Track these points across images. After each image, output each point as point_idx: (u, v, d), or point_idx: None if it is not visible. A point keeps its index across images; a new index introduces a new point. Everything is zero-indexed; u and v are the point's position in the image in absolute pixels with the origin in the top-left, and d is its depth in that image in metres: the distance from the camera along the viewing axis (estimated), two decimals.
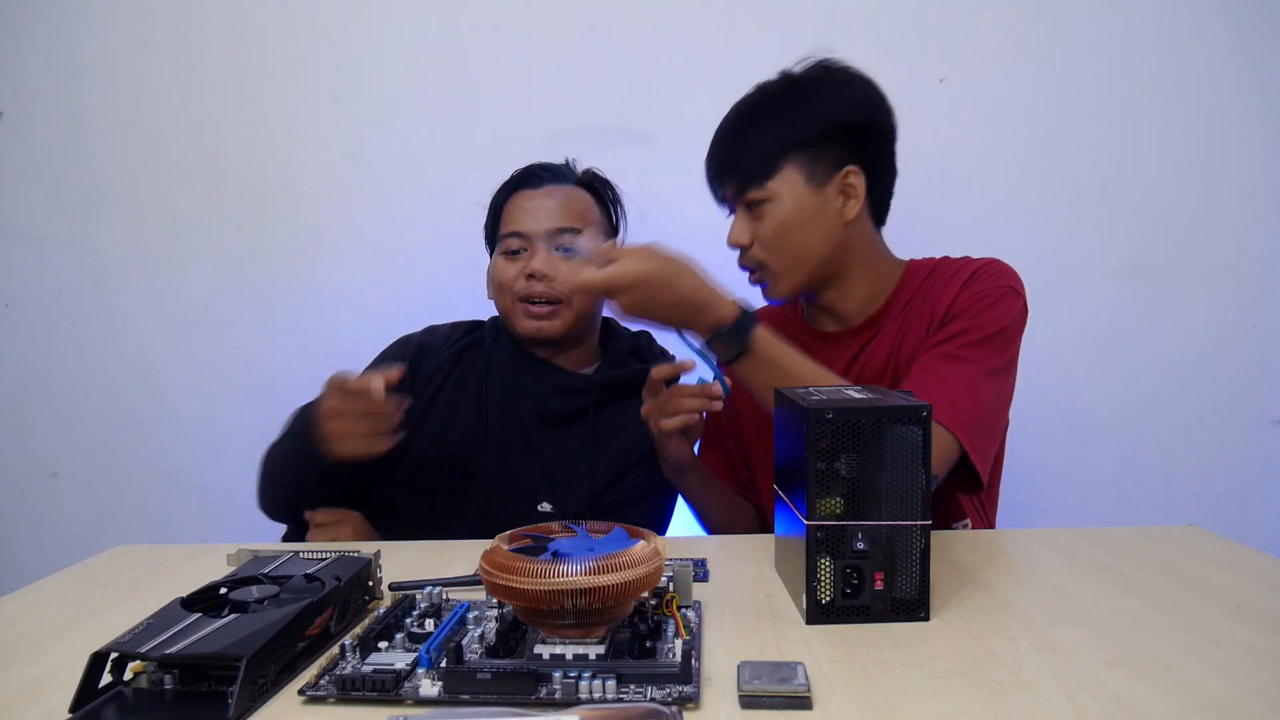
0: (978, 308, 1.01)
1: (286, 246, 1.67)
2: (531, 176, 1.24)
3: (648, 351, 1.31)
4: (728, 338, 0.93)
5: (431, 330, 1.31)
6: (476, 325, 1.32)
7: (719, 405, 0.98)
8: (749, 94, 1.08)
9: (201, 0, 1.64)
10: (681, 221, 1.60)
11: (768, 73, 1.08)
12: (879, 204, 1.09)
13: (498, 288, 1.22)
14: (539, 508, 1.16)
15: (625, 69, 1.62)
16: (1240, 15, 1.58)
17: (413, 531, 1.02)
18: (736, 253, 1.09)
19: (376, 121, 1.65)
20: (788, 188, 1.03)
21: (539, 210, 1.20)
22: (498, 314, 1.30)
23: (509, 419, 1.21)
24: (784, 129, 1.03)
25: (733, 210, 1.09)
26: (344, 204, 1.66)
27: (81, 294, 1.69)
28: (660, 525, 1.27)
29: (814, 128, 1.03)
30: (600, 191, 1.27)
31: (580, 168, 1.27)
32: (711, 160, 1.09)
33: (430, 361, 1.25)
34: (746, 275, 1.10)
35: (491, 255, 1.27)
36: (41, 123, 1.67)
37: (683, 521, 1.32)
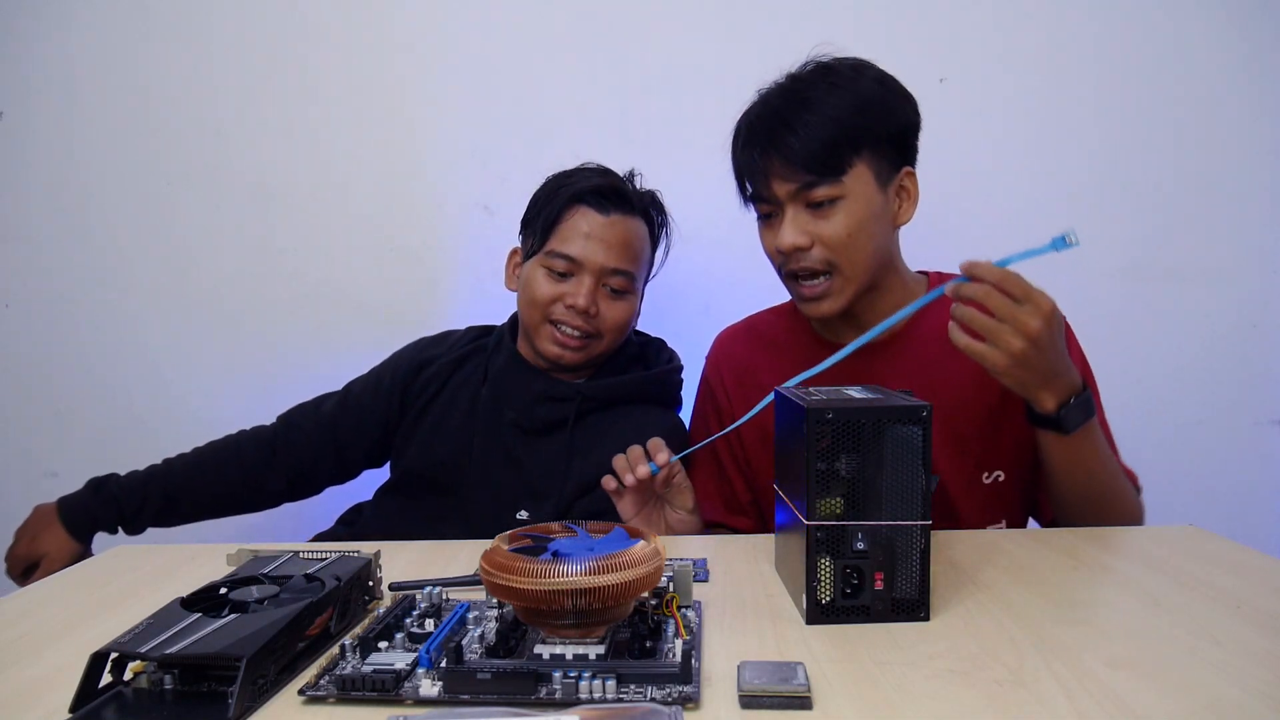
0: (1072, 348, 1.02)
1: (286, 246, 1.67)
2: (599, 197, 1.16)
3: (655, 359, 1.28)
4: (1082, 404, 0.89)
5: (442, 338, 1.30)
6: (486, 331, 1.30)
7: (645, 473, 0.92)
8: (799, 81, 1.00)
9: (202, 0, 1.64)
10: (683, 222, 1.60)
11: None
12: None
13: (531, 301, 1.17)
14: (517, 515, 1.16)
15: (625, 69, 1.61)
16: (1241, 15, 1.58)
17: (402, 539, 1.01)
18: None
19: (377, 121, 1.65)
20: (860, 185, 0.97)
21: (599, 242, 1.14)
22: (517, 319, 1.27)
23: (494, 428, 1.20)
24: (861, 120, 0.96)
25: (762, 212, 1.02)
26: (344, 204, 1.66)
27: (81, 294, 1.69)
28: None
29: (890, 122, 0.98)
30: (654, 219, 1.23)
31: (641, 184, 1.22)
32: (760, 151, 0.98)
33: (427, 371, 1.25)
34: (793, 283, 1.03)
35: (528, 251, 1.21)
36: (41, 123, 1.67)
37: None
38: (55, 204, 1.68)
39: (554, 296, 1.15)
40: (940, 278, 1.11)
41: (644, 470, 0.91)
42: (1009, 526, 1.07)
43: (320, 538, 1.25)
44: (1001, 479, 1.04)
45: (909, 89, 1.05)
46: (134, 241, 1.68)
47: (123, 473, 1.21)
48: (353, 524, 1.27)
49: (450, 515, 1.17)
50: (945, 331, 1.01)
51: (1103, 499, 0.97)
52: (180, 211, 1.67)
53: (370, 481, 1.32)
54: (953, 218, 1.58)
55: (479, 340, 1.28)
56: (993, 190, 1.61)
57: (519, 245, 1.25)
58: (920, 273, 1.13)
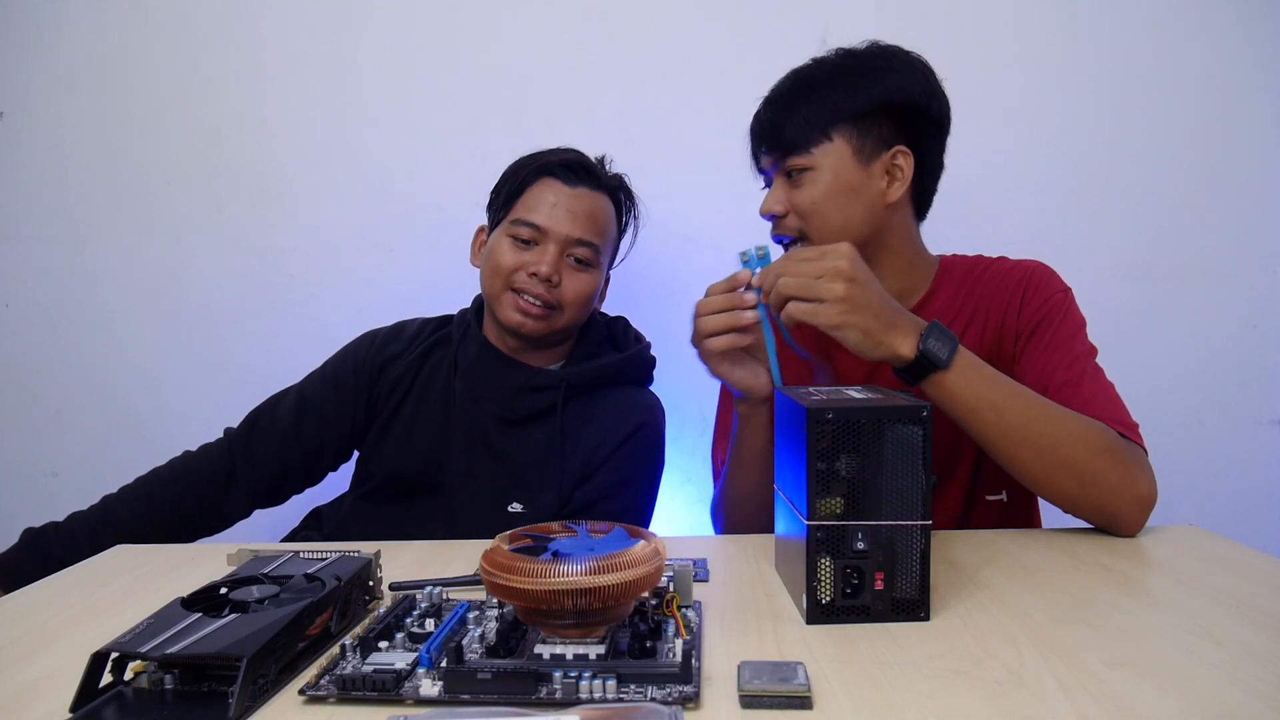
0: (1061, 311, 1.03)
1: (286, 246, 1.67)
2: (567, 170, 1.17)
3: (624, 339, 1.26)
4: (937, 332, 0.85)
5: (398, 332, 1.26)
6: (445, 321, 1.27)
7: (752, 299, 0.89)
8: (805, 64, 1.06)
9: (200, 1, 1.64)
10: (681, 220, 1.60)
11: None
12: (923, 195, 1.07)
13: (494, 269, 1.15)
14: (509, 508, 1.14)
15: (625, 68, 1.62)
16: (1244, 15, 1.58)
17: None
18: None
19: (376, 121, 1.65)
20: (832, 159, 1.00)
21: (565, 212, 1.14)
22: (482, 298, 1.25)
23: (472, 421, 1.17)
24: (838, 96, 1.00)
25: (769, 180, 1.06)
26: (344, 204, 1.66)
27: (81, 294, 1.69)
28: (637, 522, 1.23)
29: (869, 100, 1.01)
30: (622, 202, 1.23)
31: (611, 168, 1.23)
32: (756, 125, 1.06)
33: (394, 368, 1.21)
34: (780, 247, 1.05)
35: (492, 224, 1.21)
36: (41, 123, 1.67)
37: (665, 519, 1.29)
38: (54, 204, 1.68)
39: (517, 265, 1.14)
40: (949, 260, 1.11)
41: (745, 274, 0.90)
42: (1009, 498, 1.07)
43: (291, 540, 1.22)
44: None
45: None
46: (133, 242, 1.68)
47: (123, 471, 1.19)
48: (318, 529, 1.23)
49: (435, 515, 1.15)
50: (964, 307, 1.06)
51: (1032, 433, 0.87)
52: (180, 212, 1.67)
53: (330, 485, 1.29)
54: (955, 217, 1.58)
55: (440, 331, 1.25)
56: (993, 190, 1.61)
57: (485, 224, 1.26)
58: (938, 256, 1.13)
